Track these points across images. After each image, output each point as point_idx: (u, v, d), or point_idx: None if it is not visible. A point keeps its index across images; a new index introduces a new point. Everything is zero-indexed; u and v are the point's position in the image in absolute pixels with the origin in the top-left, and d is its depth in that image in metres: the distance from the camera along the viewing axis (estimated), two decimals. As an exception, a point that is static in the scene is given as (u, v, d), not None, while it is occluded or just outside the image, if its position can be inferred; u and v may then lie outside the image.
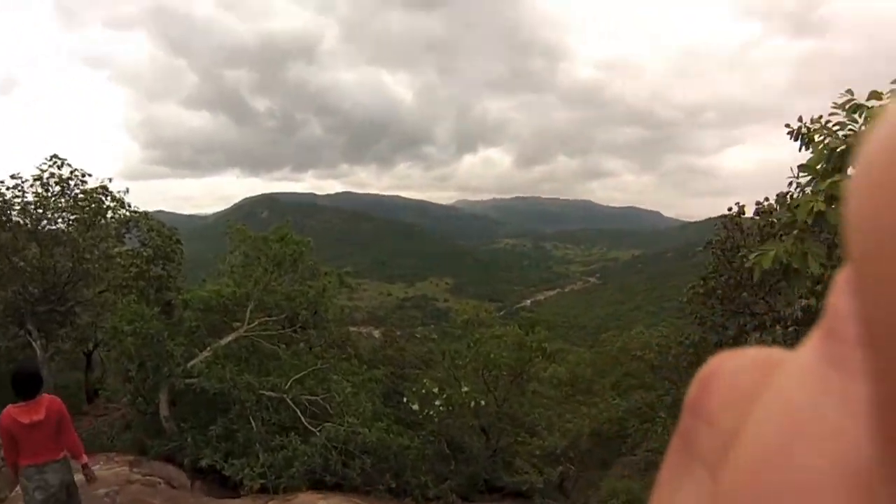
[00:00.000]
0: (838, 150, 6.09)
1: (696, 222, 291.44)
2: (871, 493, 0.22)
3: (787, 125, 8.40)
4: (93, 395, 18.12)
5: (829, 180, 5.59)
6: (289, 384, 13.70)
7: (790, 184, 12.96)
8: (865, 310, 0.23)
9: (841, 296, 0.24)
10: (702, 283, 18.24)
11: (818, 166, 6.12)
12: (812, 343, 0.25)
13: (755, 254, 6.22)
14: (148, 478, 11.10)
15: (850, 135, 6.08)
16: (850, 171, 5.87)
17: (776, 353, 0.27)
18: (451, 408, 17.45)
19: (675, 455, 0.28)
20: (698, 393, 0.28)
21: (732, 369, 0.27)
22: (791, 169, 12.37)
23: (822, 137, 7.82)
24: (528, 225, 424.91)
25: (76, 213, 15.75)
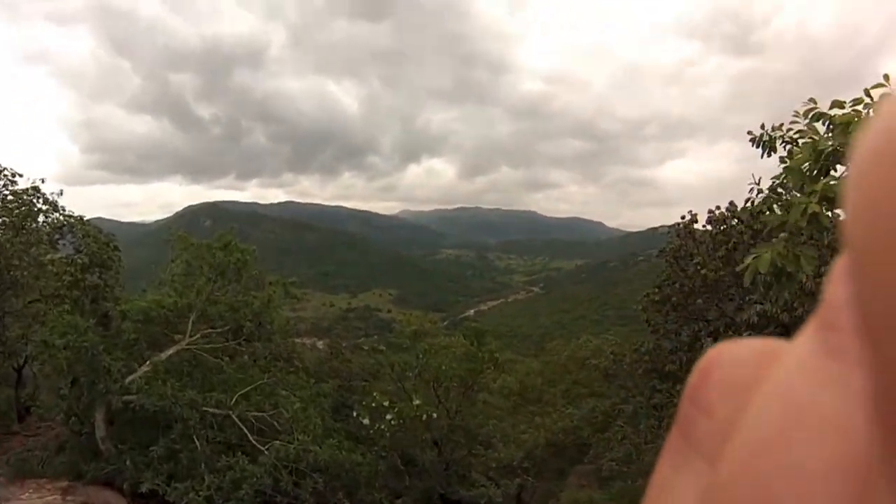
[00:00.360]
0: (827, 151, 6.01)
1: (637, 232, 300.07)
2: (870, 484, 0.23)
3: (750, 132, 8.49)
4: (24, 412, 16.94)
5: (823, 181, 5.46)
6: (234, 400, 13.17)
7: (751, 189, 13.12)
8: (863, 300, 0.23)
9: (838, 286, 0.24)
10: (656, 290, 18.37)
11: (803, 168, 6.08)
12: (809, 333, 0.25)
13: (751, 256, 6.12)
14: (82, 506, 10.27)
15: (837, 136, 6.00)
16: (842, 171, 5.76)
17: (776, 343, 0.27)
18: (402, 421, 17.09)
19: (673, 445, 0.28)
20: (698, 383, 0.28)
21: (732, 359, 0.28)
22: (752, 175, 12.45)
23: (784, 143, 7.94)
24: (472, 235, 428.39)
25: (4, 216, 14.71)
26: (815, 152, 5.84)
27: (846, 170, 0.22)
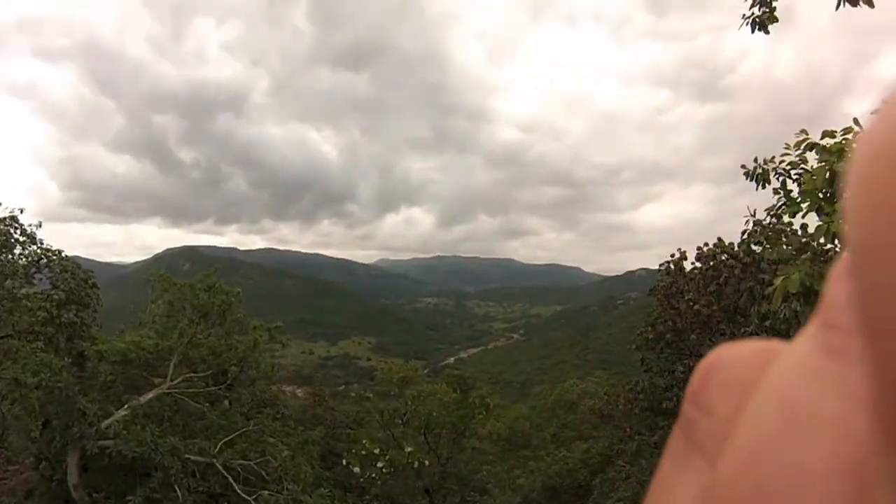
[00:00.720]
0: (841, 173, 6.01)
1: (615, 276, 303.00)
2: (870, 483, 0.23)
3: (744, 166, 8.62)
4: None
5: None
6: (218, 447, 12.59)
7: (747, 221, 13.08)
8: (864, 299, 0.23)
9: (838, 285, 0.24)
10: (650, 328, 18.15)
11: (817, 191, 6.16)
12: (809, 332, 0.25)
13: (780, 277, 6.01)
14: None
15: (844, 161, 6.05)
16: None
17: (777, 344, 0.28)
18: (393, 469, 16.57)
19: (675, 445, 0.29)
20: (699, 383, 0.28)
21: (732, 360, 0.28)
22: (747, 208, 12.45)
23: (777, 175, 8.02)
24: (450, 284, 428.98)
25: (-23, 245, 14.07)
26: (829, 175, 5.89)
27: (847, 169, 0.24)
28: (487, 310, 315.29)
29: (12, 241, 14.54)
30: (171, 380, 13.61)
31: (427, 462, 17.15)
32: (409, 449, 16.91)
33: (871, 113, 0.23)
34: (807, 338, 0.25)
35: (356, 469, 16.32)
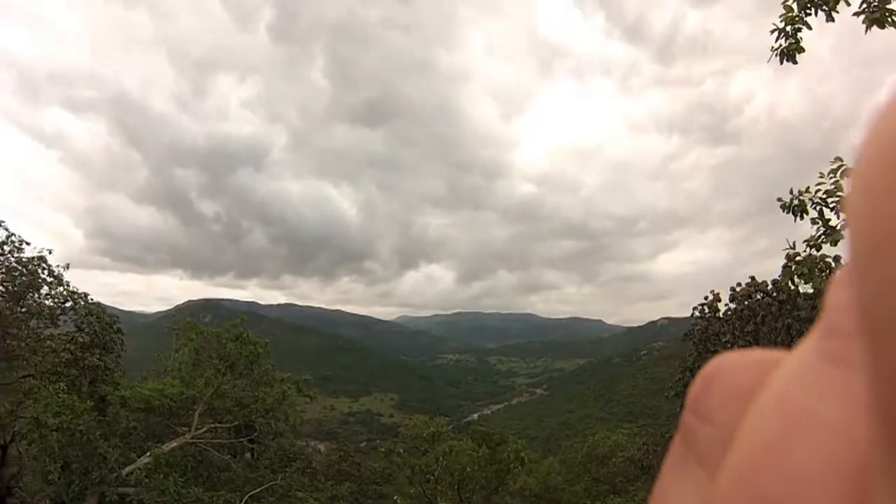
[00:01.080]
0: None
1: (638, 327, 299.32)
2: (871, 488, 0.23)
3: (780, 199, 8.24)
4: (5, 494, 15.50)
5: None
6: (244, 501, 12.04)
7: (787, 256, 12.67)
8: (865, 303, 0.23)
9: (839, 291, 0.25)
10: (688, 372, 17.50)
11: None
12: (810, 339, 0.25)
13: None
14: None
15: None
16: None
17: (779, 353, 0.27)
18: None
19: (676, 453, 0.28)
20: (699, 391, 0.28)
21: (733, 367, 0.27)
22: (786, 240, 12.04)
23: (814, 205, 7.70)
24: (471, 340, 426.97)
25: (7, 283, 13.78)
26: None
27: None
28: (510, 365, 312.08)
29: (39, 280, 14.30)
30: (196, 429, 13.18)
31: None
32: (443, 505, 16.28)
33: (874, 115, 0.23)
34: (808, 344, 0.25)
35: (388, 526, 15.63)
